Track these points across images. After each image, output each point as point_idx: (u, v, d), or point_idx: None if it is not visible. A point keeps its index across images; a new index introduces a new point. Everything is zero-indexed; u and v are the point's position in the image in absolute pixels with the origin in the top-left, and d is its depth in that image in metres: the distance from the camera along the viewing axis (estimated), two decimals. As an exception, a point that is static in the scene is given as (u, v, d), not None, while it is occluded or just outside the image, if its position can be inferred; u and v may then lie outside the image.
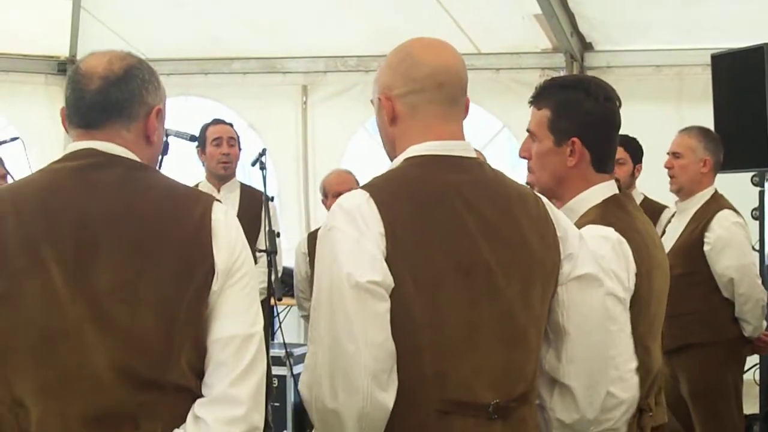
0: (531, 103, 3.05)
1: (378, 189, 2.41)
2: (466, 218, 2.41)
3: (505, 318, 2.43)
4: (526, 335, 2.47)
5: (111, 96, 2.35)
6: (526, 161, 3.08)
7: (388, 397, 2.30)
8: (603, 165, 3.01)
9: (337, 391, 2.29)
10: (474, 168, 2.52)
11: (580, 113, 2.94)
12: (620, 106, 3.03)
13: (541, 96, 3.02)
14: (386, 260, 2.31)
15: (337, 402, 2.29)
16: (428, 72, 2.51)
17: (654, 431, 3.06)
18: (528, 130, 3.04)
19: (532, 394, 2.53)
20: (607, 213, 2.92)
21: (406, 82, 2.52)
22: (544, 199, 2.62)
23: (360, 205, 2.35)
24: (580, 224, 2.88)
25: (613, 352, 2.71)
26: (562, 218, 2.62)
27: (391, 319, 2.30)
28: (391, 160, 2.59)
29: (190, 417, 2.26)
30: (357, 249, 2.30)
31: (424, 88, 2.51)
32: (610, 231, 2.84)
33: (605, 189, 3.00)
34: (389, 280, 2.30)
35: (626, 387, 2.77)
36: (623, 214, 2.96)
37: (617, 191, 3.02)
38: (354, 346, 2.26)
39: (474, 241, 2.40)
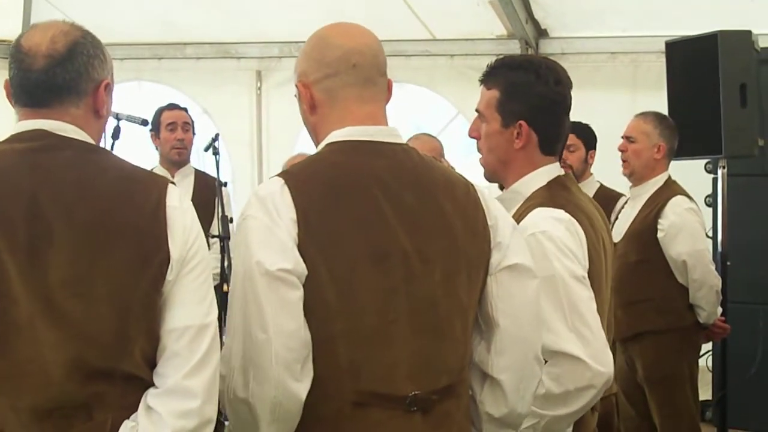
0: (481, 82, 3.03)
1: (294, 176, 2.37)
2: (383, 204, 2.36)
3: (424, 307, 2.37)
4: (449, 325, 2.42)
5: (57, 77, 2.29)
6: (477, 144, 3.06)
7: (301, 388, 2.27)
8: (550, 147, 3.00)
9: (249, 380, 2.26)
10: (397, 154, 2.47)
11: (529, 96, 2.93)
12: (571, 88, 3.01)
13: (491, 76, 3.01)
14: (299, 247, 2.27)
15: (248, 392, 2.27)
16: (341, 54, 2.46)
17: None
18: (477, 110, 3.03)
19: (460, 387, 2.48)
20: (555, 195, 2.92)
21: (320, 66, 2.48)
22: (479, 187, 2.57)
23: (273, 193, 2.32)
24: (527, 207, 2.89)
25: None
26: (495, 207, 2.56)
27: (306, 307, 2.27)
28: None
29: (141, 407, 2.22)
30: (268, 237, 2.27)
31: (338, 71, 2.47)
32: (561, 212, 2.83)
33: (550, 171, 2.99)
34: (301, 268, 2.26)
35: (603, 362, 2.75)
36: (569, 195, 2.95)
37: (561, 172, 3.02)
38: (265, 335, 2.24)
39: (390, 227, 2.35)
